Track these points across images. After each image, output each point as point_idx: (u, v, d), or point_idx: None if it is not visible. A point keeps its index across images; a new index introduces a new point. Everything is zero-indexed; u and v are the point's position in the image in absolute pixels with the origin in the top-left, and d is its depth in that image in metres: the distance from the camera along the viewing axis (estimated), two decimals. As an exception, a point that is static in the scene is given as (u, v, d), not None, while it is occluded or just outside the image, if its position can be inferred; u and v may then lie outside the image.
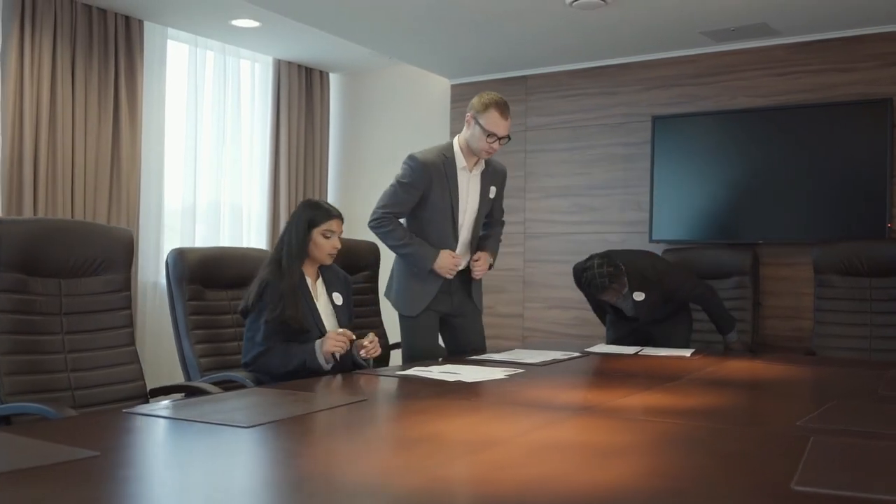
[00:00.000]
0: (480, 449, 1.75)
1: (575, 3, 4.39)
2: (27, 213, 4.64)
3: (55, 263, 2.58)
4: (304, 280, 2.99)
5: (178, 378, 3.26)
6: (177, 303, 3.29)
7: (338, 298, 3.09)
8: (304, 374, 2.78)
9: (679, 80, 5.38)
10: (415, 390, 2.60)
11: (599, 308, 4.24)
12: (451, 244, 3.48)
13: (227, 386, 2.88)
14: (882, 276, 4.23)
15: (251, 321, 2.88)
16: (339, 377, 2.88)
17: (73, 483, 1.42)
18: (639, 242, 5.28)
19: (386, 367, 3.23)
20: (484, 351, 3.63)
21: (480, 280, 3.64)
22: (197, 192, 5.81)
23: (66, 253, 2.61)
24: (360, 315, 4.19)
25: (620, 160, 5.58)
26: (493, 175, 3.60)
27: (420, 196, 3.41)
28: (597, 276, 3.72)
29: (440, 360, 3.35)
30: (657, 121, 5.34)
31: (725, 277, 4.73)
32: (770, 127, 4.99)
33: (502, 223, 3.80)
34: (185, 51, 5.77)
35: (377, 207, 3.45)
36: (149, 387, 2.79)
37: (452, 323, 3.60)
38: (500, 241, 3.78)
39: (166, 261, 3.32)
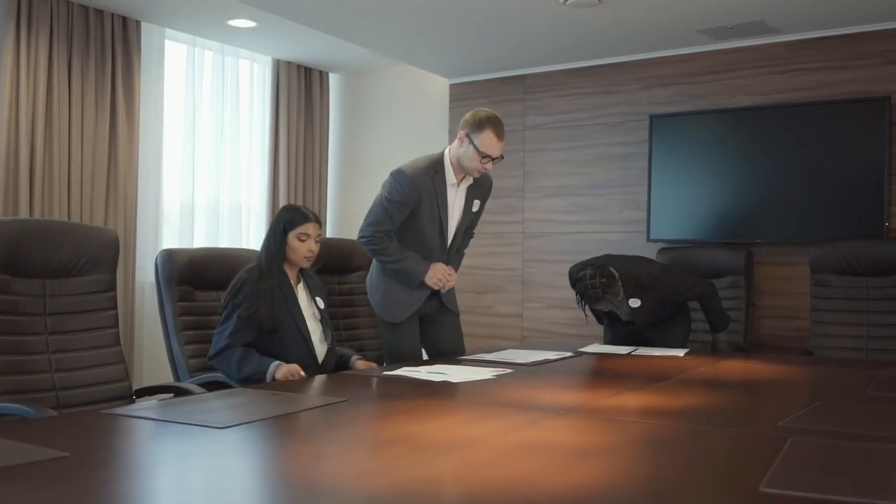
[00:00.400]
0: (455, 450, 1.74)
1: (568, 1, 4.37)
2: (23, 214, 4.65)
3: (39, 264, 2.59)
4: (288, 282, 3.01)
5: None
6: (166, 303, 3.29)
7: (321, 302, 3.14)
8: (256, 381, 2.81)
9: (677, 79, 5.36)
10: (399, 391, 2.59)
11: (594, 311, 4.22)
12: (441, 256, 3.45)
13: (215, 387, 2.87)
14: (879, 276, 4.20)
15: (224, 317, 2.92)
16: (326, 377, 2.88)
17: (36, 484, 1.41)
18: (637, 242, 5.26)
19: (374, 368, 3.22)
20: (462, 352, 3.62)
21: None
22: (195, 192, 5.82)
23: (50, 253, 2.61)
24: (353, 315, 4.19)
25: (619, 159, 5.56)
26: (478, 188, 3.52)
27: (409, 212, 3.35)
28: (589, 287, 3.69)
29: (430, 360, 3.34)
30: (655, 120, 5.32)
31: (718, 277, 4.70)
32: (768, 125, 4.97)
33: (472, 236, 3.74)
34: (183, 51, 5.78)
35: (367, 225, 3.35)
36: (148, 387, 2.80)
37: (430, 326, 3.58)
38: (463, 255, 3.74)
39: (155, 262, 3.32)
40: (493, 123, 3.26)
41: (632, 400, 2.47)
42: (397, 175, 3.31)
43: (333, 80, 6.93)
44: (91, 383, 2.63)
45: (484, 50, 5.44)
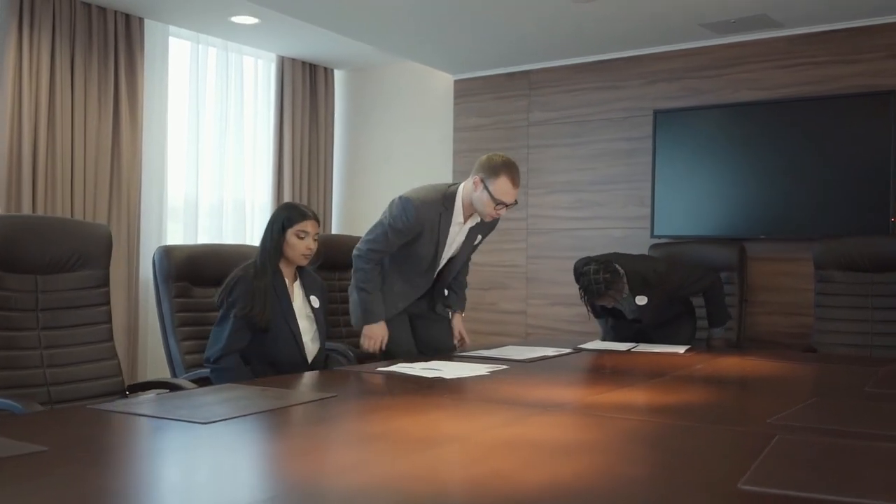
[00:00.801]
0: (435, 446, 1.73)
1: (570, -5, 4.36)
2: (27, 212, 4.67)
3: (31, 259, 2.59)
4: (283, 280, 3.00)
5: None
6: (163, 300, 3.29)
7: (315, 301, 3.10)
8: None
9: (681, 74, 5.32)
10: (390, 387, 2.58)
11: (595, 308, 4.20)
12: (424, 281, 3.44)
13: (209, 383, 2.86)
14: (883, 272, 4.15)
15: (222, 316, 2.90)
16: (319, 374, 2.88)
17: (10, 478, 1.41)
18: (641, 238, 5.22)
19: (369, 364, 3.21)
20: (453, 349, 3.61)
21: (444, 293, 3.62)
22: (199, 189, 5.83)
23: (43, 249, 2.61)
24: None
25: (623, 155, 5.52)
26: (483, 225, 3.49)
27: (408, 239, 3.33)
28: (593, 283, 3.67)
29: (426, 356, 3.33)
30: (659, 115, 5.28)
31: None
32: (773, 120, 4.92)
33: (468, 269, 3.73)
34: (186, 48, 5.78)
35: (365, 241, 3.33)
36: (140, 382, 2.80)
37: (422, 324, 3.57)
38: (466, 286, 3.73)
39: (153, 258, 3.32)
40: (508, 170, 3.22)
41: (623, 396, 2.45)
42: (405, 204, 3.24)
43: (338, 76, 6.92)
44: (83, 379, 2.63)
45: (488, 45, 5.42)
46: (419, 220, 3.25)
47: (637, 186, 5.44)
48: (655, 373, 2.95)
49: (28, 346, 2.54)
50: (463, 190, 3.33)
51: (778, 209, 4.88)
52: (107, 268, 2.77)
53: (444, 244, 3.36)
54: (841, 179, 4.69)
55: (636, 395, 2.49)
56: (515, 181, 3.24)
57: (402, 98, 6.65)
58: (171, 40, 5.66)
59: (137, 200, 5.36)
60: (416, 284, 3.46)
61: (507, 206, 3.27)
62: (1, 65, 4.72)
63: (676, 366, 3.13)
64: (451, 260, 3.50)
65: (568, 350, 3.61)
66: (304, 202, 6.39)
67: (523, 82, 5.95)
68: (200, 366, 3.18)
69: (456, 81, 6.24)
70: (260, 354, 2.92)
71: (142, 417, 1.99)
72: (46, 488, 1.38)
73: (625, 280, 3.75)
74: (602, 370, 3.23)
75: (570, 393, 2.62)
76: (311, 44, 6.04)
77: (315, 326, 3.06)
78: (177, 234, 5.70)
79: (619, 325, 4.16)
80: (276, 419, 2.02)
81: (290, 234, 2.98)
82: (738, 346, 4.43)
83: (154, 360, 5.40)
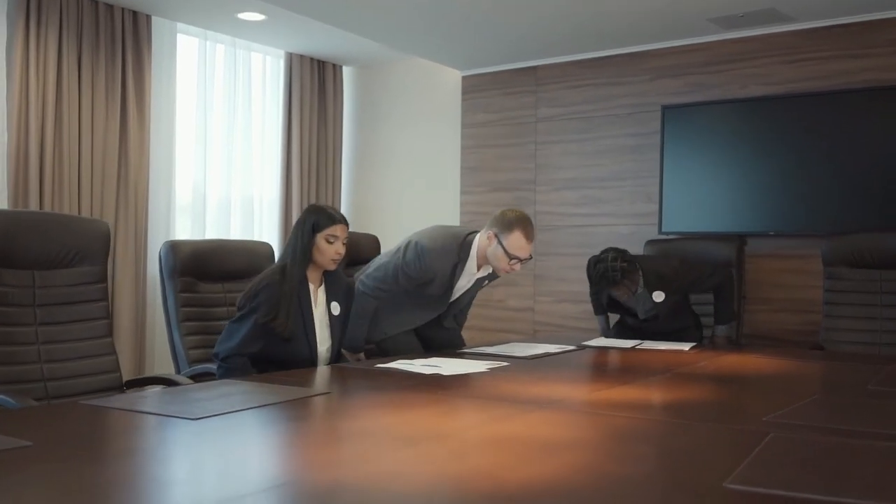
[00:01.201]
0: (421, 442, 1.71)
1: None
2: (33, 209, 4.68)
3: (29, 255, 2.59)
4: (307, 286, 2.93)
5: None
6: (168, 295, 3.30)
7: (335, 308, 3.03)
8: None
9: (688, 69, 5.27)
10: (386, 383, 2.56)
11: (601, 305, 4.17)
12: (439, 303, 3.45)
13: (206, 378, 2.86)
14: (893, 268, 4.09)
15: (241, 316, 2.83)
16: (317, 370, 2.86)
17: (-10, 474, 1.41)
18: (649, 234, 5.18)
19: (370, 360, 3.20)
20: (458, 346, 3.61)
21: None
22: (207, 185, 5.83)
23: (40, 244, 2.61)
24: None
25: (630, 151, 5.49)
26: (492, 275, 3.50)
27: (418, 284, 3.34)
28: (609, 269, 3.65)
29: (427, 352, 3.32)
30: (667, 110, 5.24)
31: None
32: (782, 115, 4.87)
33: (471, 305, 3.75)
34: (194, 45, 5.79)
35: (373, 279, 3.32)
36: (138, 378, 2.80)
37: (423, 328, 3.58)
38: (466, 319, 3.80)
39: (159, 253, 3.33)
40: (522, 225, 3.21)
41: (621, 393, 2.43)
42: (420, 252, 3.23)
43: (347, 73, 6.91)
44: (80, 374, 2.63)
45: (496, 41, 5.39)
46: (432, 270, 3.26)
47: (644, 182, 5.40)
48: (655, 370, 2.93)
49: (25, 341, 2.55)
50: (479, 244, 3.31)
51: (787, 205, 4.83)
52: (104, 263, 2.78)
53: (454, 286, 3.39)
54: (850, 175, 4.64)
55: (634, 392, 2.47)
56: (529, 236, 3.23)
57: (410, 94, 6.64)
58: (179, 37, 5.66)
59: (145, 197, 5.37)
60: (422, 317, 3.49)
61: (521, 261, 3.25)
62: (8, 62, 4.74)
63: (678, 363, 3.10)
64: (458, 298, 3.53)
65: (571, 347, 3.58)
66: (313, 198, 6.39)
67: (530, 78, 5.92)
68: (205, 360, 3.18)
69: (464, 77, 6.22)
70: (271, 358, 2.86)
71: (133, 413, 1.98)
72: (29, 483, 1.38)
73: (640, 273, 3.73)
74: (603, 367, 3.21)
75: (566, 390, 2.60)
76: (320, 40, 6.04)
77: (331, 336, 3.02)
78: (185, 231, 5.71)
79: (621, 328, 4.14)
80: (265, 415, 2.01)
81: (320, 239, 2.92)
82: (736, 342, 4.39)
83: (161, 356, 5.41)
